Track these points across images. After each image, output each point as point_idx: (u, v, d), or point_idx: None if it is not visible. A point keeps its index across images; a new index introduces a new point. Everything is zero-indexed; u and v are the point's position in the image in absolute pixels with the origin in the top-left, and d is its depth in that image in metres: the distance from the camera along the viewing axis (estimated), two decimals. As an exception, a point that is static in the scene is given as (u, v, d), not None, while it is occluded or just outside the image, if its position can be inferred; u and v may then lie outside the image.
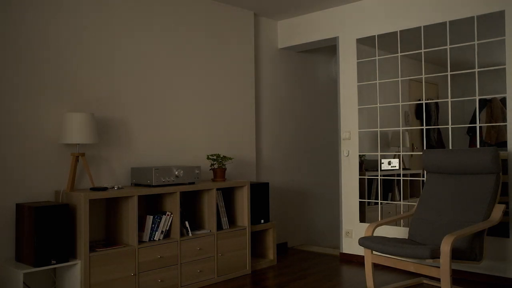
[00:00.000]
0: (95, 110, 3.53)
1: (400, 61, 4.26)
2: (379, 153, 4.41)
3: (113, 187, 3.35)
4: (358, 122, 4.54)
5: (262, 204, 4.37)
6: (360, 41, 4.55)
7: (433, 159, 3.66)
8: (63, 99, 3.35)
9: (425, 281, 3.70)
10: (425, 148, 4.11)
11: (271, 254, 4.40)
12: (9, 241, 3.07)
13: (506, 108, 3.65)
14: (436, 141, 4.10)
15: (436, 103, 4.10)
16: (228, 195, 4.23)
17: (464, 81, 3.87)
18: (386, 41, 4.34)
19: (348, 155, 4.61)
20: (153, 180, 3.43)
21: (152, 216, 3.46)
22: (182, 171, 3.61)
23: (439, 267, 2.89)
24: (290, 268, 4.25)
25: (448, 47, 3.94)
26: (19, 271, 2.78)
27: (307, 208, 5.49)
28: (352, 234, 4.57)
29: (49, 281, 3.23)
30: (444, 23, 3.96)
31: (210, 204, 3.83)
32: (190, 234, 3.65)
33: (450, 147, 3.92)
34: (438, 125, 4.08)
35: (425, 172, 3.89)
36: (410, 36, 4.19)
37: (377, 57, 4.41)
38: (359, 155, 4.55)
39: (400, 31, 4.25)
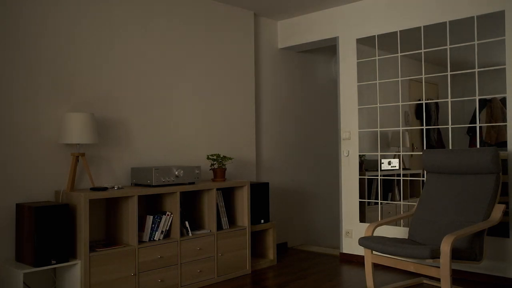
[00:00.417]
0: (95, 110, 3.53)
1: (400, 61, 4.26)
2: (379, 153, 4.41)
3: (113, 187, 3.35)
4: (358, 122, 4.54)
5: (262, 204, 4.37)
6: (360, 41, 4.55)
7: (433, 159, 3.66)
8: (63, 99, 3.36)
9: (425, 281, 3.70)
10: (425, 148, 4.11)
11: (271, 254, 4.40)
12: (9, 241, 3.07)
13: (506, 108, 3.65)
14: (436, 141, 4.10)
15: (436, 103, 4.10)
16: (228, 195, 4.23)
17: (464, 81, 3.87)
18: (386, 41, 4.34)
19: (348, 155, 4.61)
20: (153, 180, 3.43)
21: (152, 216, 3.46)
22: (182, 171, 3.61)
23: (439, 267, 2.89)
24: (290, 268, 4.25)
25: (448, 47, 3.94)
26: (19, 271, 2.78)
27: (307, 208, 5.49)
28: (352, 234, 4.57)
29: (49, 281, 3.23)
30: (444, 23, 3.96)
31: (210, 204, 3.83)
32: (190, 234, 3.65)
33: (450, 147, 3.92)
34: (438, 125, 4.08)
35: (425, 172, 3.89)
36: (410, 36, 4.19)
37: (377, 57, 4.41)
38: (359, 155, 4.55)
39: (400, 31, 4.25)
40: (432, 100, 4.10)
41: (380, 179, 4.40)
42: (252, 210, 4.25)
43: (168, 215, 3.53)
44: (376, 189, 4.44)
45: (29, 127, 3.18)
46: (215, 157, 4.08)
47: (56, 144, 3.31)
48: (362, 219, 4.52)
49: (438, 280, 3.68)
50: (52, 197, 3.28)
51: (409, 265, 3.10)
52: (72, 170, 3.24)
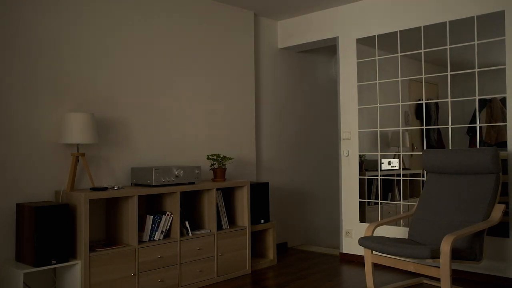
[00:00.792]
0: (95, 110, 3.53)
1: (400, 61, 4.26)
2: (379, 153, 4.41)
3: (113, 187, 3.35)
4: (358, 122, 4.54)
5: (262, 204, 4.37)
6: (360, 41, 4.55)
7: (433, 159, 3.66)
8: (63, 99, 3.36)
9: (425, 281, 3.70)
10: (425, 148, 4.11)
11: (271, 254, 4.40)
12: (9, 241, 3.07)
13: (506, 108, 3.65)
14: (436, 141, 4.11)
15: (436, 103, 4.10)
16: (228, 195, 4.23)
17: (464, 81, 3.87)
18: (386, 41, 4.34)
19: (348, 155, 4.61)
20: (153, 180, 3.43)
21: (152, 216, 3.46)
22: (182, 171, 3.61)
23: (439, 267, 2.89)
24: (290, 268, 4.25)
25: (448, 47, 3.94)
26: (19, 271, 2.78)
27: (307, 208, 5.49)
28: (352, 234, 4.57)
29: (49, 281, 3.23)
30: (444, 23, 3.96)
31: (210, 204, 3.83)
32: (190, 234, 3.65)
33: (450, 147, 3.92)
34: (438, 125, 4.08)
35: (425, 172, 3.89)
36: (410, 36, 4.19)
37: (377, 57, 4.41)
38: (359, 155, 4.55)
39: (400, 31, 4.25)
40: (432, 100, 4.10)
41: (380, 179, 4.40)
42: (252, 210, 4.25)
43: (168, 215, 3.54)
44: (376, 189, 4.44)
45: (29, 127, 3.18)
46: (215, 157, 4.08)
47: (56, 144, 3.31)
48: (362, 219, 4.52)
49: (438, 280, 3.68)
50: (52, 197, 3.28)
51: (409, 265, 3.10)
52: (72, 170, 3.24)
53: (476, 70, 3.78)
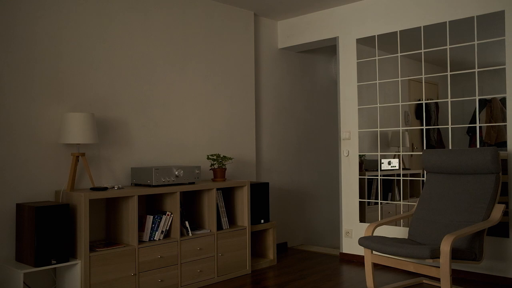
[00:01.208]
0: (95, 110, 3.53)
1: (400, 61, 4.27)
2: (379, 153, 4.41)
3: (113, 187, 3.35)
4: (358, 122, 4.54)
5: (262, 204, 4.37)
6: (360, 41, 4.55)
7: (433, 159, 3.66)
8: (63, 99, 3.36)
9: (425, 281, 3.70)
10: (425, 148, 4.11)
11: (271, 254, 4.40)
12: (9, 241, 3.07)
13: (506, 108, 3.65)
14: (436, 141, 4.11)
15: (436, 103, 4.10)
16: (228, 195, 4.23)
17: (464, 81, 3.87)
18: (386, 41, 4.35)
19: (348, 155, 4.62)
20: (153, 180, 3.43)
21: (152, 216, 3.46)
22: (182, 171, 3.61)
23: (439, 267, 2.90)
24: (290, 268, 4.26)
25: (448, 47, 3.94)
26: (19, 271, 2.79)
27: (307, 208, 5.49)
28: (352, 234, 4.57)
29: (49, 281, 3.23)
30: (444, 23, 3.96)
31: (210, 204, 3.83)
32: (190, 234, 3.65)
33: (450, 147, 3.92)
34: (438, 125, 4.08)
35: (425, 172, 3.89)
36: (410, 36, 4.19)
37: (377, 57, 4.41)
38: (359, 155, 4.55)
39: (400, 31, 4.25)
40: (432, 100, 4.10)
41: (380, 179, 4.41)
42: (252, 210, 4.25)
43: (168, 215, 3.54)
44: (376, 189, 4.44)
45: (29, 127, 3.18)
46: (215, 157, 4.08)
47: (56, 144, 3.31)
48: (362, 219, 4.52)
49: (438, 280, 3.69)
50: (52, 197, 3.28)
51: (409, 265, 3.10)
52: (72, 170, 3.24)
53: (476, 70, 3.78)
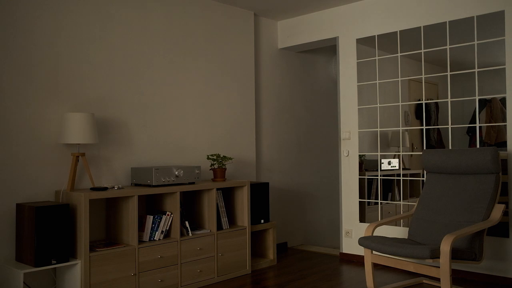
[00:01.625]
0: (95, 110, 3.54)
1: (400, 61, 4.27)
2: (379, 153, 4.41)
3: (113, 187, 3.35)
4: (358, 122, 4.54)
5: (262, 204, 4.37)
6: (360, 41, 4.55)
7: (433, 159, 3.66)
8: (63, 99, 3.36)
9: (425, 281, 3.70)
10: (425, 148, 4.11)
11: (271, 254, 4.40)
12: (9, 241, 3.07)
13: (505, 108, 3.65)
14: (436, 141, 4.11)
15: (436, 103, 4.10)
16: (228, 195, 4.23)
17: (464, 81, 3.87)
18: (386, 41, 4.35)
19: (348, 155, 4.62)
20: (153, 180, 3.43)
21: (152, 216, 3.46)
22: (182, 171, 3.61)
23: (439, 267, 2.90)
24: (290, 268, 4.26)
25: (448, 47, 3.94)
26: (19, 271, 2.79)
27: (307, 208, 5.49)
28: (352, 234, 4.57)
29: (49, 281, 3.23)
30: (444, 23, 3.96)
31: (210, 204, 3.83)
32: (190, 234, 3.65)
33: (450, 147, 3.92)
34: (438, 125, 4.08)
35: (425, 172, 3.90)
36: (410, 36, 4.19)
37: (377, 57, 4.41)
38: (359, 155, 4.55)
39: (400, 31, 4.25)
40: (432, 100, 4.10)
41: (380, 179, 4.41)
42: (252, 210, 4.25)
43: (168, 215, 3.54)
44: (376, 189, 4.44)
45: (29, 127, 3.18)
46: (215, 157, 4.08)
47: (56, 144, 3.31)
48: (362, 219, 4.52)
49: (438, 280, 3.69)
50: (52, 197, 3.28)
51: (409, 265, 3.10)
52: (72, 170, 3.24)
53: (476, 70, 3.78)
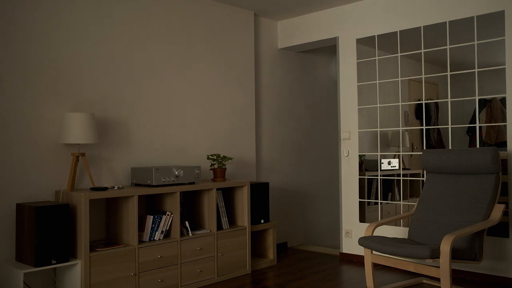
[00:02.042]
0: (95, 110, 3.54)
1: (400, 61, 4.27)
2: (379, 153, 4.41)
3: (113, 187, 3.35)
4: (358, 122, 4.54)
5: (262, 204, 4.37)
6: (360, 41, 4.55)
7: (432, 159, 3.66)
8: (63, 99, 3.36)
9: (425, 281, 3.70)
10: (425, 148, 4.11)
11: (271, 254, 4.40)
12: (9, 241, 3.07)
13: (505, 108, 3.65)
14: (436, 141, 4.11)
15: (436, 103, 4.10)
16: (228, 195, 4.23)
17: (464, 81, 3.87)
18: (386, 41, 4.35)
19: (348, 155, 4.62)
20: (153, 180, 3.43)
21: (152, 216, 3.46)
22: (182, 171, 3.61)
23: (439, 267, 2.90)
24: (290, 268, 4.26)
25: (448, 47, 3.94)
26: (19, 271, 2.79)
27: (307, 208, 5.49)
28: (352, 234, 4.57)
29: (49, 281, 3.23)
30: (444, 23, 3.96)
31: (210, 204, 3.83)
32: (190, 234, 3.65)
33: (450, 147, 3.92)
34: (438, 125, 4.08)
35: (424, 172, 3.90)
36: (410, 36, 4.19)
37: (377, 57, 4.41)
38: (359, 155, 4.55)
39: (400, 31, 4.25)
40: (432, 100, 4.10)
41: (380, 179, 4.41)
42: (252, 210, 4.25)
43: (168, 215, 3.54)
44: (376, 189, 4.44)
45: (29, 127, 3.18)
46: (215, 157, 4.08)
47: (56, 144, 3.31)
48: (362, 219, 4.52)
49: (438, 280, 3.69)
50: (52, 197, 3.28)
51: (409, 265, 3.10)
52: (72, 170, 3.24)
53: (476, 70, 3.78)
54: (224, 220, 3.97)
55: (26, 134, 3.16)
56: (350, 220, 4.60)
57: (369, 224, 4.09)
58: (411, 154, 4.30)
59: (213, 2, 4.44)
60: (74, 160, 3.24)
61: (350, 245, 4.59)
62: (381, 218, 4.40)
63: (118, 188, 3.34)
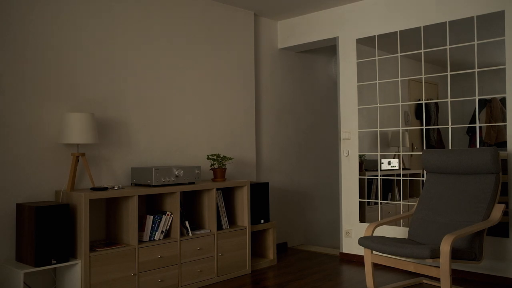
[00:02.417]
0: (95, 110, 3.54)
1: (400, 61, 4.27)
2: (379, 153, 4.41)
3: (113, 187, 3.35)
4: (358, 122, 4.54)
5: (262, 204, 4.37)
6: (360, 41, 4.55)
7: (432, 159, 3.66)
8: (63, 99, 3.36)
9: (425, 281, 3.71)
10: (425, 148, 4.11)
11: (271, 254, 4.40)
12: (9, 241, 3.07)
13: (505, 108, 3.65)
14: (436, 141, 4.11)
15: (436, 103, 4.10)
16: (228, 195, 4.23)
17: (464, 81, 3.87)
18: (386, 41, 4.35)
19: (348, 155, 4.62)
20: (153, 180, 3.43)
21: (152, 216, 3.46)
22: (182, 171, 3.61)
23: (439, 267, 2.90)
24: (290, 268, 4.26)
25: (448, 47, 3.94)
26: (19, 271, 2.79)
27: (307, 208, 5.49)
28: (352, 234, 4.57)
29: (49, 281, 3.23)
30: (444, 23, 3.96)
31: (210, 204, 3.83)
32: (190, 234, 3.65)
33: (450, 147, 3.92)
34: (438, 125, 4.08)
35: (425, 172, 3.90)
36: (410, 36, 4.19)
37: (377, 57, 4.42)
38: (359, 155, 4.55)
39: (400, 31, 4.25)
40: (432, 100, 4.10)
41: (380, 179, 4.41)
42: (252, 210, 4.25)
43: (168, 215, 3.54)
44: (376, 189, 4.44)
45: (29, 127, 3.18)
46: (215, 157, 4.08)
47: (56, 144, 3.31)
48: (362, 219, 4.52)
49: (438, 280, 3.69)
50: (52, 197, 3.28)
51: (409, 265, 3.10)
52: (72, 170, 3.24)
53: (476, 70, 3.78)
54: (224, 220, 3.97)
55: (26, 134, 3.16)
56: (350, 220, 4.60)
57: (369, 224, 4.09)
58: (411, 154, 4.30)
59: (213, 2, 4.44)
60: (74, 160, 3.24)
61: (350, 245, 4.59)
62: (381, 218, 4.40)
63: (118, 188, 3.34)
